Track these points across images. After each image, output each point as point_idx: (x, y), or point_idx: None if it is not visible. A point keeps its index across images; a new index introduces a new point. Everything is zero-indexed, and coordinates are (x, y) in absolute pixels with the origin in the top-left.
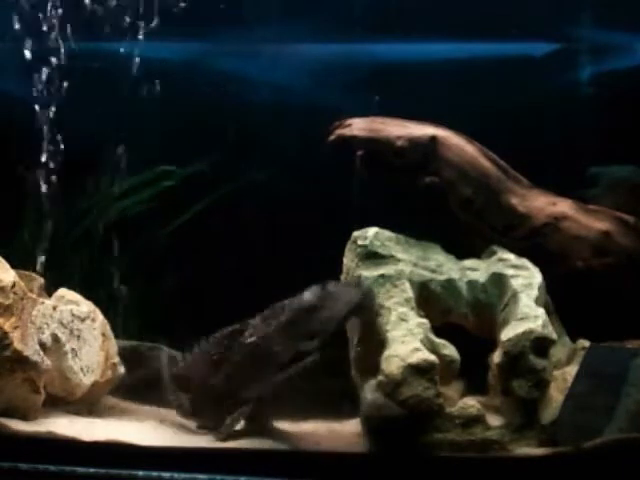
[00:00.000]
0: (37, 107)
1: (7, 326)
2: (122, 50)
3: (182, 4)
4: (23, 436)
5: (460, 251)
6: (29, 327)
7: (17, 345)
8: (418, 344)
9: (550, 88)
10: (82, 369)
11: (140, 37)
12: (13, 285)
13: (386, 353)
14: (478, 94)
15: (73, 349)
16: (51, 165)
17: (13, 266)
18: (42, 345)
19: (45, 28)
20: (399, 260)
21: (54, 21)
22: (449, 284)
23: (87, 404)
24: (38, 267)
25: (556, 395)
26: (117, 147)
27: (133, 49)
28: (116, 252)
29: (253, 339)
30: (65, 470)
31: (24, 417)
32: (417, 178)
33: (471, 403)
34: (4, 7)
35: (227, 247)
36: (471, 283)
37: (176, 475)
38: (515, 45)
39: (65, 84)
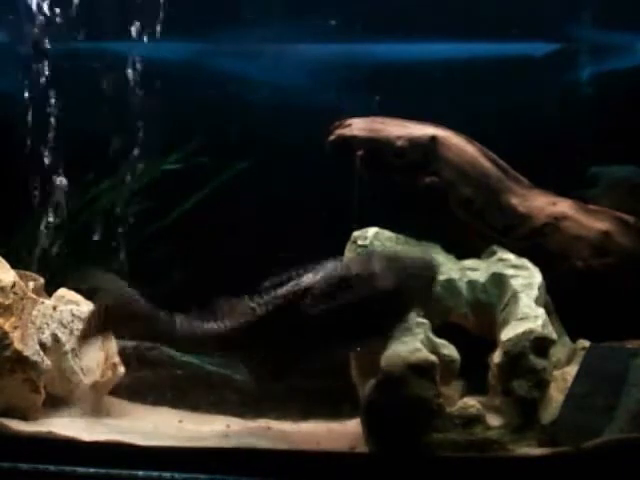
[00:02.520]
0: (36, 106)
1: (7, 326)
2: (122, 50)
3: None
4: (23, 436)
5: (460, 251)
6: (29, 327)
7: (17, 345)
8: (418, 344)
9: (550, 88)
10: (82, 369)
11: (140, 37)
12: (13, 285)
13: (386, 353)
14: (478, 94)
15: (73, 349)
16: (50, 165)
17: (13, 266)
18: (42, 345)
19: (45, 28)
20: None
21: (54, 21)
22: (449, 284)
23: (87, 404)
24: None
25: (556, 395)
26: (117, 146)
27: (133, 49)
28: (115, 250)
29: (318, 309)
30: (65, 470)
31: (24, 417)
32: (417, 178)
33: (471, 403)
34: (4, 7)
35: (226, 247)
36: (471, 283)
37: (176, 475)
38: (515, 45)
39: (64, 84)
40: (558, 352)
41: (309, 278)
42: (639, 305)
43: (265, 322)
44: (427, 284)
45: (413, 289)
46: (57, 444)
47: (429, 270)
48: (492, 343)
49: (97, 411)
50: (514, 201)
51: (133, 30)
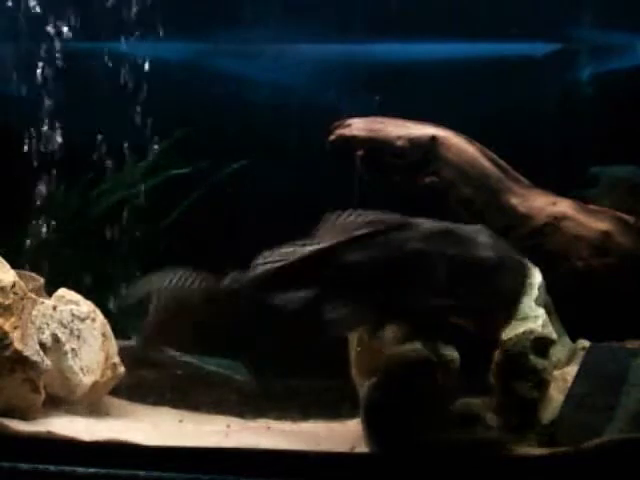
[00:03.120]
0: (36, 106)
1: (7, 326)
2: (121, 50)
3: None
4: (23, 436)
5: None
6: (29, 327)
7: (17, 345)
8: (418, 344)
9: (550, 88)
10: (82, 369)
11: (139, 37)
12: (13, 285)
13: (386, 353)
14: (478, 94)
15: (73, 349)
16: (50, 164)
17: (13, 266)
18: (42, 345)
19: (45, 28)
20: None
21: (54, 21)
22: None
23: (87, 404)
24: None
25: (556, 395)
26: (117, 146)
27: (132, 49)
28: (115, 250)
29: (424, 246)
30: (65, 470)
31: (24, 417)
32: (417, 178)
33: (471, 403)
34: (4, 7)
35: (224, 247)
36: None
37: (176, 475)
38: (515, 45)
39: (64, 83)
40: (558, 352)
41: (414, 220)
42: (639, 305)
43: (370, 241)
44: (519, 282)
45: (509, 278)
46: (57, 444)
47: (523, 270)
48: (492, 343)
49: (97, 411)
50: (514, 201)
51: (132, 30)
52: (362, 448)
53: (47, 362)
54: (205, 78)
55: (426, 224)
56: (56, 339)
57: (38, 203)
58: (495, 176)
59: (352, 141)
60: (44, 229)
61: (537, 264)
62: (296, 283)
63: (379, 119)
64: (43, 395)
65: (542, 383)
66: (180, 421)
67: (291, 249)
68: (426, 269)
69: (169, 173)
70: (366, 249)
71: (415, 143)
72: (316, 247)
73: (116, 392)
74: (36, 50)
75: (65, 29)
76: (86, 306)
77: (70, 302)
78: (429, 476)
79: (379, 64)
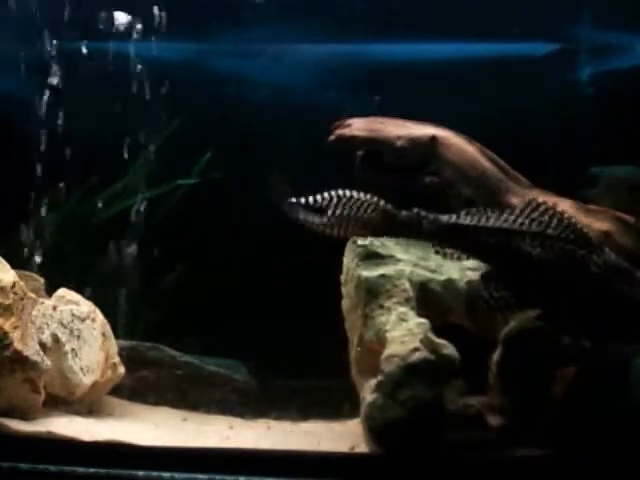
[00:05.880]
0: (37, 107)
1: (7, 326)
2: (122, 50)
3: None
4: (23, 436)
5: None
6: (29, 327)
7: (17, 345)
8: (418, 344)
9: (550, 88)
10: (82, 369)
11: (140, 37)
12: (13, 285)
13: (386, 353)
14: (478, 94)
15: (73, 349)
16: (51, 165)
17: (13, 266)
18: (42, 345)
19: (44, 28)
20: (399, 260)
21: (53, 21)
22: (449, 284)
23: (87, 404)
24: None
25: (555, 395)
26: (116, 147)
27: (133, 49)
28: (115, 252)
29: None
30: (65, 470)
31: (24, 417)
32: (417, 178)
33: (471, 403)
34: (4, 7)
35: (226, 248)
36: (471, 283)
37: (176, 475)
38: (515, 45)
39: (65, 84)
40: (558, 352)
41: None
42: (639, 305)
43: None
44: None
45: None
46: (57, 444)
47: None
48: (492, 343)
49: (97, 411)
50: (514, 201)
51: (133, 30)
52: (362, 448)
53: (47, 362)
54: (205, 78)
55: (611, 256)
56: (56, 339)
57: (39, 204)
58: (495, 176)
59: (352, 141)
60: (46, 229)
61: None
62: (472, 246)
63: (379, 119)
64: (43, 395)
65: (542, 383)
66: (183, 420)
67: (486, 215)
68: (595, 296)
69: (174, 183)
70: (545, 248)
71: (415, 143)
72: (503, 225)
73: (116, 392)
74: (33, 51)
75: (64, 29)
76: (86, 306)
77: (70, 302)
78: (429, 476)
79: (379, 64)
